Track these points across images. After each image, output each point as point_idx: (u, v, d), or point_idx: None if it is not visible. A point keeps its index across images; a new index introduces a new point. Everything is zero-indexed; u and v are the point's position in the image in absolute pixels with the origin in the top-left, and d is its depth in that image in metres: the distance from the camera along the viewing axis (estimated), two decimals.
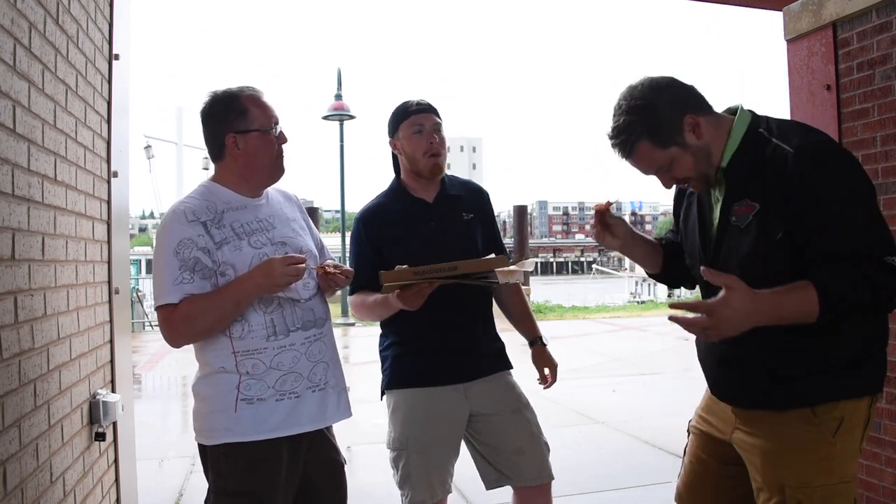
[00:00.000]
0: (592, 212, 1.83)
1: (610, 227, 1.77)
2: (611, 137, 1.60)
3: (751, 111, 1.62)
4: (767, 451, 1.58)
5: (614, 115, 1.60)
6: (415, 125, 2.16)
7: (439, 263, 1.83)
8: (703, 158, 1.57)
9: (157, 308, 1.72)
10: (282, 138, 1.86)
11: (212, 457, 1.75)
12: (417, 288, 1.88)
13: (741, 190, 1.55)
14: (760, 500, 1.62)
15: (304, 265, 1.71)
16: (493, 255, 1.91)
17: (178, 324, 1.69)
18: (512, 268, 1.89)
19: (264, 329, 1.74)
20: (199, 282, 1.70)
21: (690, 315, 1.42)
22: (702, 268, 1.46)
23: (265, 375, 1.73)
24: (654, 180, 1.67)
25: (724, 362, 1.66)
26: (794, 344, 1.51)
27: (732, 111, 1.64)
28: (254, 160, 1.82)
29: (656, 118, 1.54)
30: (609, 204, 1.76)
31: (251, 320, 1.74)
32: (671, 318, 1.44)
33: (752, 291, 1.36)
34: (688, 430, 1.91)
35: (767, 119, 1.60)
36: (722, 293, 1.37)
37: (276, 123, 1.84)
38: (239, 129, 1.80)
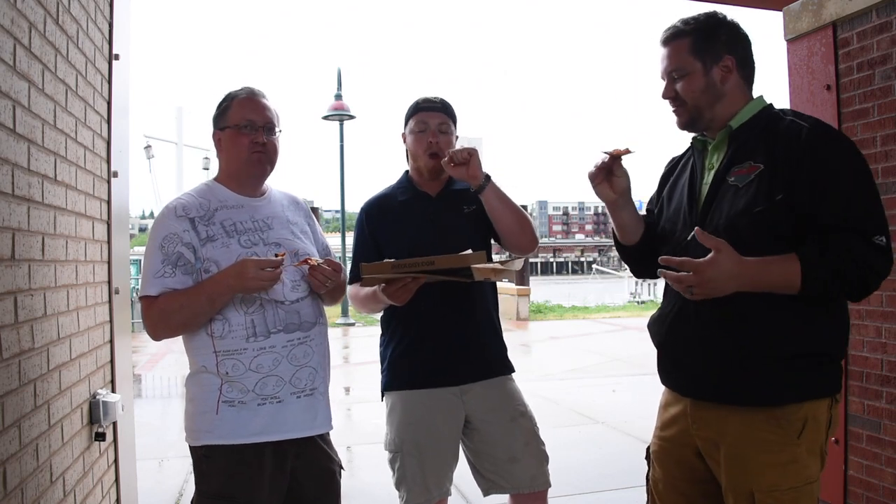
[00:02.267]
0: (604, 156, 1.71)
1: (613, 178, 1.73)
2: (676, 21, 1.69)
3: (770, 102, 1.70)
4: (735, 455, 1.57)
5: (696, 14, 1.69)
6: (420, 123, 2.16)
7: (417, 258, 1.84)
8: (711, 97, 1.64)
9: (140, 299, 1.75)
10: (257, 137, 1.82)
11: (195, 457, 1.77)
12: (402, 283, 1.88)
13: (747, 153, 1.59)
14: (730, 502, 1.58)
15: (279, 269, 1.69)
16: (469, 251, 1.87)
17: (155, 317, 1.72)
18: (493, 265, 1.86)
19: (244, 329, 1.74)
20: (180, 276, 1.72)
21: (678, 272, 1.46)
22: (696, 228, 1.48)
23: (244, 377, 1.73)
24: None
25: (703, 358, 1.61)
26: (772, 332, 1.52)
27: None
28: (229, 156, 1.86)
29: (711, 35, 1.64)
30: (627, 151, 1.70)
31: (231, 320, 1.74)
32: (660, 272, 1.50)
33: (738, 256, 1.42)
34: (648, 457, 1.85)
35: (783, 108, 1.68)
36: (711, 255, 1.42)
37: (252, 122, 1.82)
38: (220, 126, 1.86)
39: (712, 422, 1.61)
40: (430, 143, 2.13)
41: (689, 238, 1.61)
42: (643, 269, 1.88)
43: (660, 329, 1.76)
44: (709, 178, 1.67)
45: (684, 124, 1.71)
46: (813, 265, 1.42)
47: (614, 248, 1.97)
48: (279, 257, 1.71)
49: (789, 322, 1.51)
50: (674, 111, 1.70)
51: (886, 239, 1.44)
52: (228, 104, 1.85)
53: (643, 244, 1.83)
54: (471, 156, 2.02)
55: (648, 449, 1.87)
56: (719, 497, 1.63)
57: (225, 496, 1.70)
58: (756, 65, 1.70)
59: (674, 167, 1.87)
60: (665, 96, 1.70)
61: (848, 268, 1.42)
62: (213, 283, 1.70)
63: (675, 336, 1.70)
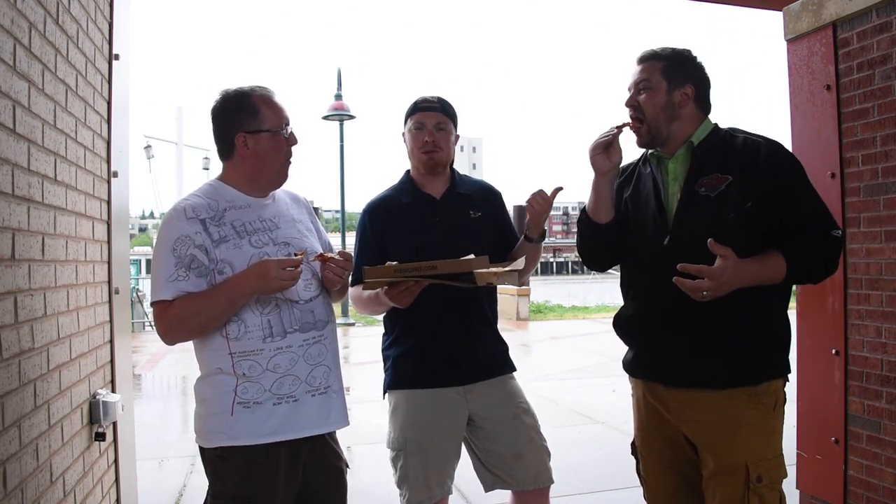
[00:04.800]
0: (613, 130, 1.87)
1: (611, 150, 1.87)
2: (655, 47, 1.92)
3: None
4: (724, 432, 1.75)
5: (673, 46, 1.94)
6: (418, 122, 2.19)
7: (419, 262, 1.86)
8: (667, 116, 1.85)
9: (152, 304, 1.72)
10: (292, 140, 1.85)
11: (209, 459, 1.75)
12: (405, 286, 1.90)
13: (710, 166, 1.81)
14: (718, 484, 1.74)
15: (299, 269, 1.69)
16: (472, 256, 1.88)
17: (172, 322, 1.69)
18: (496, 269, 1.87)
19: (261, 330, 1.73)
20: (194, 279, 1.69)
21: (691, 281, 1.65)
22: (709, 240, 1.63)
23: (261, 378, 1.72)
24: None
25: (688, 349, 1.79)
26: (753, 325, 1.75)
27: None
28: (262, 161, 1.81)
29: (680, 65, 1.88)
30: (633, 125, 1.86)
31: (247, 321, 1.73)
32: (676, 281, 1.65)
33: (739, 260, 1.64)
34: (634, 453, 2.01)
35: (729, 127, 1.92)
36: (719, 262, 1.63)
37: (287, 124, 1.83)
38: (249, 129, 1.79)
39: (698, 406, 1.78)
40: (425, 142, 2.17)
41: (665, 242, 1.81)
42: (605, 251, 1.99)
43: (636, 329, 1.93)
44: (675, 188, 1.85)
45: (644, 143, 1.89)
46: (796, 260, 1.69)
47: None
48: (298, 256, 1.70)
49: (766, 311, 1.77)
50: (634, 131, 1.88)
51: (840, 231, 1.75)
52: (257, 106, 1.79)
53: (615, 226, 1.94)
54: (545, 210, 2.09)
55: (633, 443, 2.01)
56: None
57: (241, 497, 1.69)
58: (711, 102, 1.91)
59: (628, 177, 2.01)
60: (628, 103, 1.89)
61: (818, 259, 1.72)
62: (232, 285, 1.68)
63: (655, 334, 1.85)
